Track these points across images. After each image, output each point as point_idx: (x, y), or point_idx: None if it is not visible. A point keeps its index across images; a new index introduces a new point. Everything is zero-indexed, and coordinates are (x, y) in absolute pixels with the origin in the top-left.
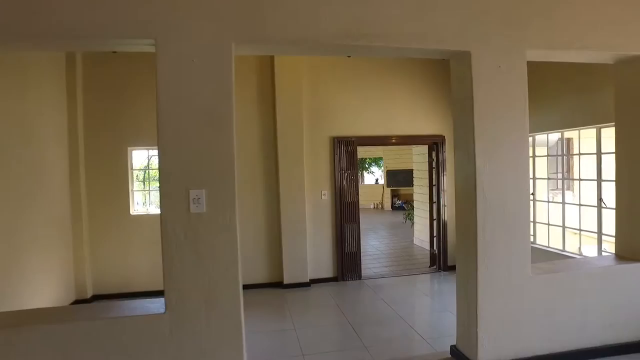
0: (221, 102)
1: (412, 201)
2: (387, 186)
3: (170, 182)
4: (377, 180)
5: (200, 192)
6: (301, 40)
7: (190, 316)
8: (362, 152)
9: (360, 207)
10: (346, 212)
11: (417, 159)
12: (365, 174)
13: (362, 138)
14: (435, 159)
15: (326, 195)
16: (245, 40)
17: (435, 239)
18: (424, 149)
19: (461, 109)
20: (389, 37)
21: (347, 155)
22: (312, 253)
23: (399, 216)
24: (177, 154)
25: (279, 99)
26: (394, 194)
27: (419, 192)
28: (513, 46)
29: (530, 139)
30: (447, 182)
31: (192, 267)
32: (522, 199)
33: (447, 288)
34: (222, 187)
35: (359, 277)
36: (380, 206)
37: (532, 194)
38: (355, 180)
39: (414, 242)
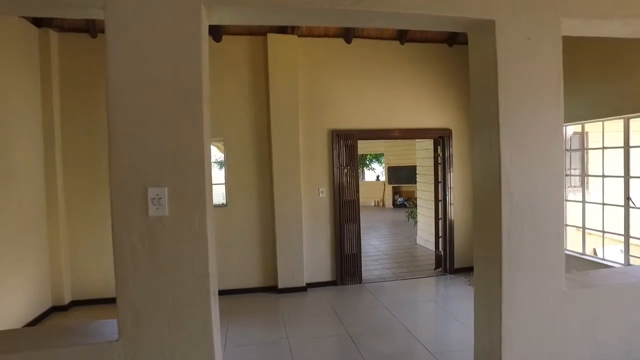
0: (189, 79)
1: (415, 199)
2: (389, 183)
3: (122, 178)
4: (378, 177)
5: (161, 190)
6: (286, 3)
7: (149, 343)
8: (363, 147)
9: (360, 204)
10: (346, 211)
11: (420, 154)
12: (365, 170)
13: (362, 131)
14: (441, 154)
15: (324, 193)
16: (218, 1)
17: (440, 239)
18: (429, 143)
19: (482, 90)
20: (394, 0)
21: (346, 150)
22: (309, 255)
23: (401, 214)
24: (131, 142)
25: (273, 89)
26: (396, 191)
27: (423, 190)
28: (546, 14)
29: None
30: (454, 178)
31: (151, 283)
32: (555, 198)
33: (454, 293)
34: (189, 184)
35: (360, 280)
36: (381, 204)
37: None
38: (355, 177)
39: (417, 241)
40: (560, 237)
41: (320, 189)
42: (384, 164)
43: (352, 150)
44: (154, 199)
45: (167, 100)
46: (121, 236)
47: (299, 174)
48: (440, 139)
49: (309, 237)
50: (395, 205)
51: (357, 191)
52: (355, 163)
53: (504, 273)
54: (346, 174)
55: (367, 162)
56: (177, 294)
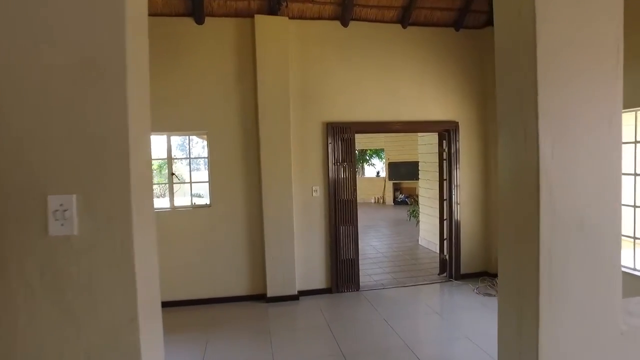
0: (104, 46)
1: (416, 196)
2: (389, 179)
3: (8, 182)
4: (378, 173)
5: (67, 199)
6: None
7: None
8: (362, 142)
9: (360, 201)
10: (342, 212)
11: (423, 149)
12: (365, 166)
13: (360, 124)
14: (446, 150)
15: (318, 192)
16: None
17: (446, 242)
18: (432, 138)
19: (511, 62)
20: None
21: (343, 144)
22: (302, 260)
23: (402, 212)
24: (21, 130)
25: (262, 77)
26: (396, 188)
27: (426, 187)
28: None
29: None
30: (461, 176)
31: (54, 332)
32: (612, 207)
33: (461, 303)
34: (107, 189)
35: (357, 287)
36: (381, 200)
37: None
38: (352, 174)
39: (420, 242)
40: (616, 260)
41: (314, 188)
42: (384, 160)
43: (349, 144)
44: (57, 211)
45: (77, 79)
46: (8, 267)
47: (290, 171)
48: (446, 132)
49: (301, 241)
50: (395, 202)
51: (355, 190)
52: (352, 159)
53: (541, 307)
54: (342, 171)
55: (367, 158)
56: (92, 347)
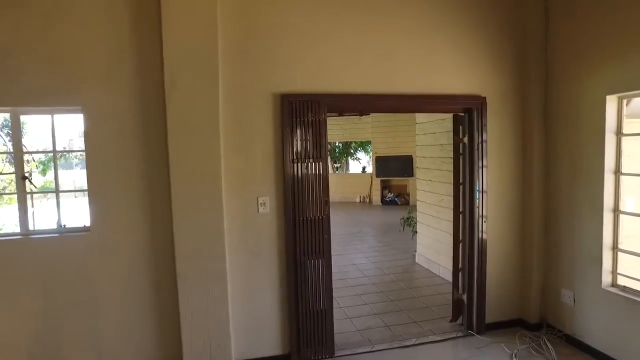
0: None
1: (407, 194)
2: (377, 176)
3: None
4: (364, 168)
5: None
6: None
7: None
8: (341, 130)
9: (344, 200)
10: (306, 237)
11: (423, 140)
12: (350, 161)
13: (336, 98)
14: (467, 139)
15: (267, 206)
16: None
17: (461, 274)
18: (437, 125)
19: None
20: None
21: (308, 129)
22: (241, 313)
23: (392, 214)
24: None
25: (170, 20)
26: (385, 186)
27: (425, 190)
28: None
29: (614, 102)
30: (490, 177)
31: None
32: None
33: None
34: None
35: (330, 353)
36: (367, 200)
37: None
38: (324, 176)
39: (417, 259)
40: None
41: (261, 200)
42: (370, 154)
43: (317, 130)
44: None
45: None
46: None
47: (220, 173)
48: (466, 113)
49: (240, 283)
50: (384, 201)
51: (327, 202)
52: (323, 153)
53: None
54: (307, 173)
55: (352, 152)
56: None
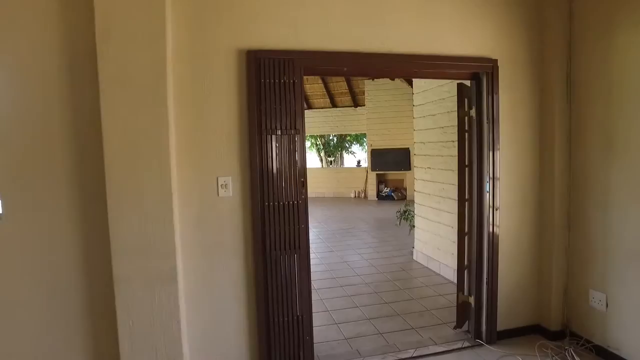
0: None
1: (404, 189)
2: (372, 170)
3: None
4: (359, 162)
5: None
6: None
7: None
8: (337, 123)
9: (338, 196)
10: (279, 226)
11: (421, 124)
12: (345, 155)
13: (314, 56)
14: (474, 112)
15: (229, 188)
16: None
17: (467, 272)
18: (438, 105)
19: None
20: None
21: (280, 94)
22: (197, 322)
23: (388, 209)
24: None
25: None
26: (380, 180)
27: (425, 179)
28: None
29: None
30: (503, 157)
31: None
32: None
33: None
34: None
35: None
36: (363, 194)
37: None
38: (300, 152)
39: (414, 256)
40: None
41: (222, 181)
42: (366, 147)
43: (292, 94)
44: None
45: None
46: None
47: (168, 148)
48: (474, 79)
49: (195, 287)
50: (380, 196)
51: (304, 183)
52: (299, 122)
53: None
54: (279, 147)
55: (347, 145)
56: None
